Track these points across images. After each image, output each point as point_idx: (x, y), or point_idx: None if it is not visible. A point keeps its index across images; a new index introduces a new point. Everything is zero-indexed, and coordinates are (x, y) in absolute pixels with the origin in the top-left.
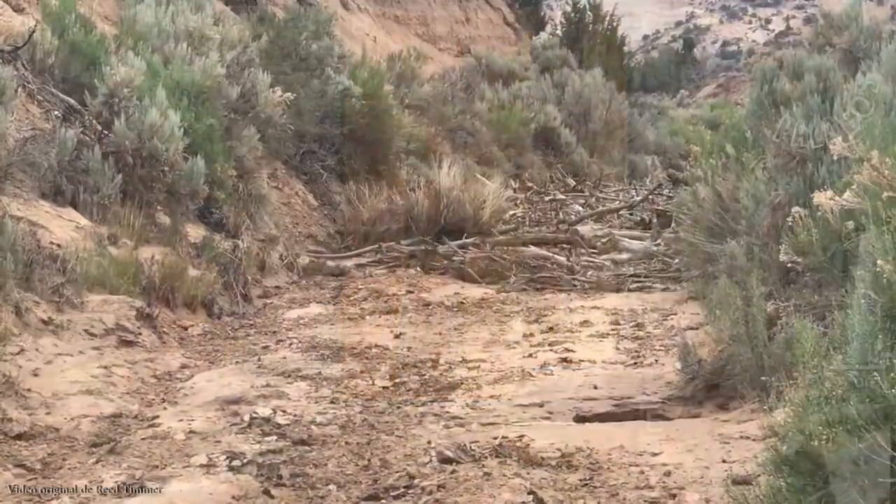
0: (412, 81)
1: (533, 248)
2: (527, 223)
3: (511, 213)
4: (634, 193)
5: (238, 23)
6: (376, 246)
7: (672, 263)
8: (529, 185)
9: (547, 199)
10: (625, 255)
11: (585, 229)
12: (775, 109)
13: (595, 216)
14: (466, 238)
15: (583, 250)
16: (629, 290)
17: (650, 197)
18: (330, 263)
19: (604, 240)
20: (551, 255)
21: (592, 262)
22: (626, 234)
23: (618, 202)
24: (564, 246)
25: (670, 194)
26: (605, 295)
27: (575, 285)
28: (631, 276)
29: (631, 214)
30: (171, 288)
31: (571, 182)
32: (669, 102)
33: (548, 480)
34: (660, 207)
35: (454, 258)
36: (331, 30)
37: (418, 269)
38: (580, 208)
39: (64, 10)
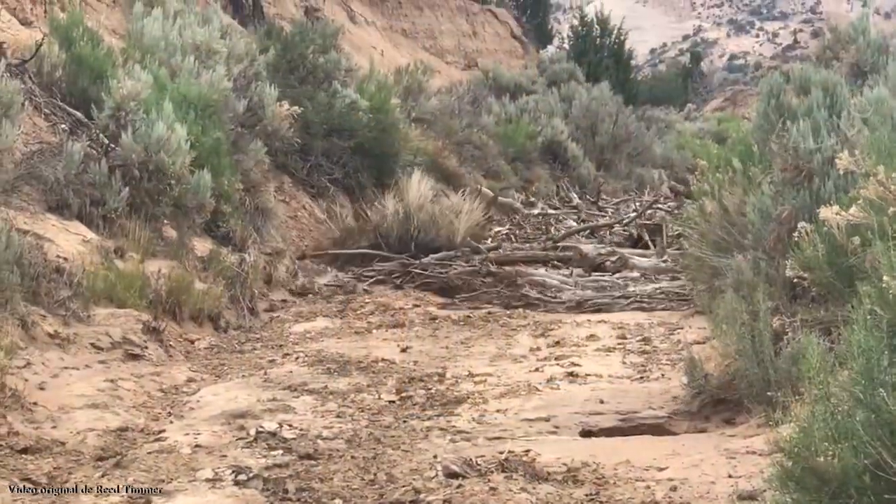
0: (419, 95)
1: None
2: (513, 240)
3: (496, 230)
4: (636, 206)
5: (245, 36)
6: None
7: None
8: (532, 198)
9: (535, 213)
10: (635, 273)
11: (588, 248)
12: (782, 124)
13: (583, 231)
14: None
15: (579, 268)
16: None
17: (646, 212)
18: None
19: (613, 259)
20: (539, 274)
21: (599, 280)
22: (636, 252)
23: (607, 217)
24: (557, 264)
25: (667, 208)
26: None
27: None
28: (638, 297)
29: (624, 230)
30: (178, 301)
31: (574, 196)
32: (676, 116)
33: (554, 495)
34: (650, 222)
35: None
36: (338, 43)
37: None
38: (574, 223)
39: (71, 23)
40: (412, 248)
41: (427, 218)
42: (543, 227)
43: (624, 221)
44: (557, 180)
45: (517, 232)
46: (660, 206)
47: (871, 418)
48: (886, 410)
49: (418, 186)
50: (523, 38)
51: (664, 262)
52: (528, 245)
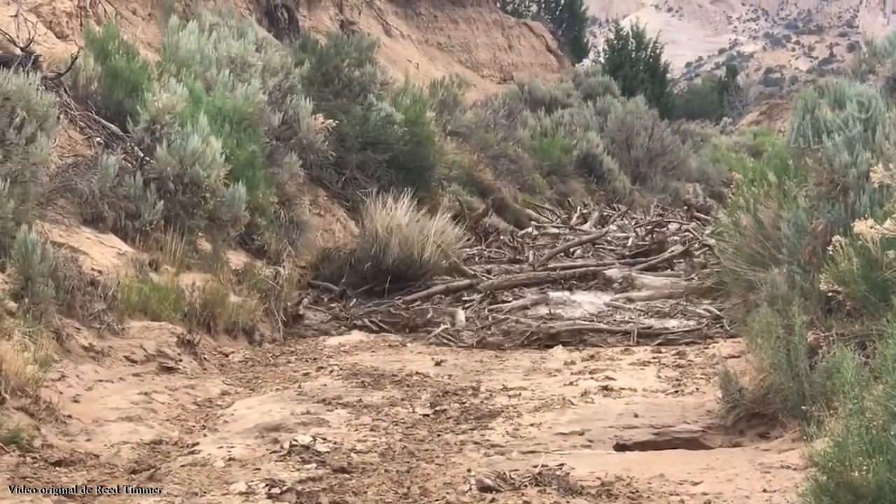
0: (455, 108)
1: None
2: (476, 261)
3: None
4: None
5: (280, 49)
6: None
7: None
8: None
9: (520, 234)
10: (644, 293)
11: (613, 272)
12: (817, 138)
13: (563, 252)
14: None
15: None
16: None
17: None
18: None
19: (620, 279)
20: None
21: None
22: (651, 275)
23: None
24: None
25: (672, 220)
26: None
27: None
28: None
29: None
30: (212, 314)
31: (584, 209)
32: (712, 129)
33: None
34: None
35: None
36: (373, 56)
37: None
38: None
39: (107, 36)
40: (384, 276)
41: (400, 242)
42: (519, 246)
43: (601, 236)
44: (593, 194)
45: (488, 252)
46: (669, 221)
47: None
48: None
49: (394, 209)
50: (559, 51)
51: (688, 280)
52: (517, 267)
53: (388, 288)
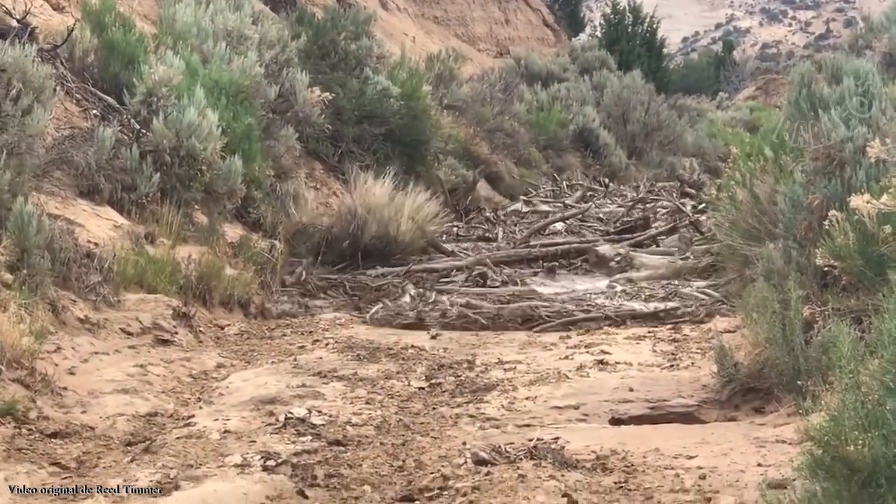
0: (451, 82)
1: None
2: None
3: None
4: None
5: (277, 22)
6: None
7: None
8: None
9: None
10: (644, 272)
11: (605, 248)
12: (814, 112)
13: (543, 228)
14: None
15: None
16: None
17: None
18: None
19: (617, 258)
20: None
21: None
22: (655, 248)
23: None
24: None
25: (657, 196)
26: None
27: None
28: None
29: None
30: (208, 287)
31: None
32: (708, 105)
33: (582, 483)
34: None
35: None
36: (370, 30)
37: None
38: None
39: (103, 8)
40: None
41: (378, 220)
42: (493, 224)
43: (583, 212)
44: (589, 168)
45: (457, 230)
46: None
47: None
48: None
49: (372, 185)
50: (555, 25)
51: (683, 259)
52: (493, 245)
53: (367, 266)
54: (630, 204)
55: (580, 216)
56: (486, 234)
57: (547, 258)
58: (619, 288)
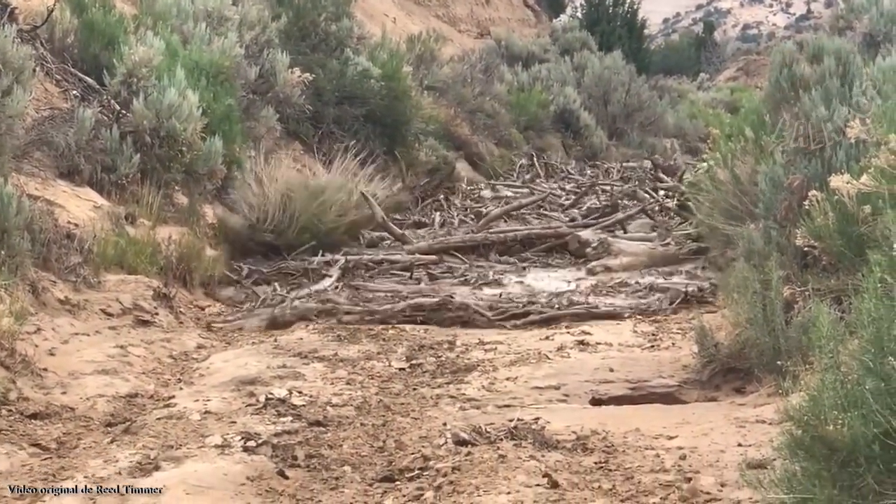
0: (431, 63)
1: None
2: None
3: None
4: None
5: (257, 3)
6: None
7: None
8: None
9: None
10: (622, 260)
11: (586, 233)
12: (794, 93)
13: (504, 214)
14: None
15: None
16: None
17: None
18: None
19: (594, 244)
20: None
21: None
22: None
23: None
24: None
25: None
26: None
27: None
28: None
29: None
30: (188, 268)
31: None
32: (689, 86)
33: (563, 463)
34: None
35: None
36: (350, 10)
37: None
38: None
39: None
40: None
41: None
42: (432, 210)
43: (545, 198)
44: (569, 149)
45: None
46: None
47: (880, 387)
48: None
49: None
50: (536, 6)
51: (664, 245)
52: (443, 230)
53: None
54: (580, 191)
55: (542, 201)
56: (422, 220)
57: (505, 242)
58: (589, 283)
